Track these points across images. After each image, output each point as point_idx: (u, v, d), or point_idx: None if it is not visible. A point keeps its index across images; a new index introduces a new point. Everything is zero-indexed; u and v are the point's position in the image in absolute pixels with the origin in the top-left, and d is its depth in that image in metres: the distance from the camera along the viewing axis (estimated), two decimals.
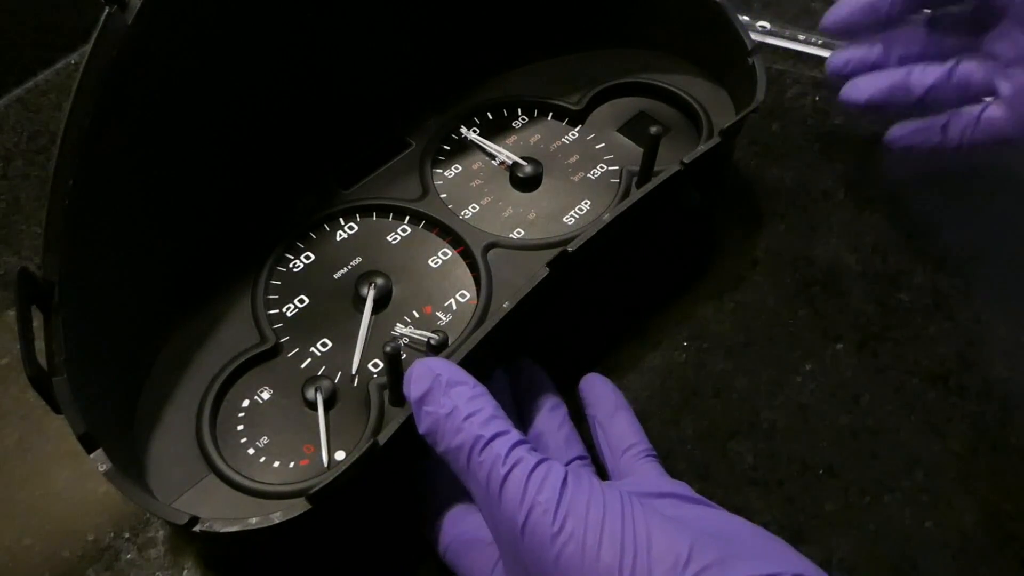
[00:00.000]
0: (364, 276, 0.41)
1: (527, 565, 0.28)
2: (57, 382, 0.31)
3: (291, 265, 0.42)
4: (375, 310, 0.40)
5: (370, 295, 0.40)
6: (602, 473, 0.37)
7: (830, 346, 0.43)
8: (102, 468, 0.30)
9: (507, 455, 0.29)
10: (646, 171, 0.43)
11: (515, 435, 0.30)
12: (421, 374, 0.32)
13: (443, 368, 0.32)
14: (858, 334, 0.43)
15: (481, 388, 0.31)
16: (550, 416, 0.37)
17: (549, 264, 0.36)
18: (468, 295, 0.41)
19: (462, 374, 0.32)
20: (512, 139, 0.48)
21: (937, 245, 0.46)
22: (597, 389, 0.39)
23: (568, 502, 0.28)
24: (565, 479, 0.29)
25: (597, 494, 0.29)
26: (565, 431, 0.37)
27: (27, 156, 0.50)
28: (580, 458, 0.36)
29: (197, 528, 0.30)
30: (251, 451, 0.36)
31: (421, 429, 0.31)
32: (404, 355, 0.37)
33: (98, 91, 0.32)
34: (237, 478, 0.35)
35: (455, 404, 0.31)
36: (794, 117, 0.52)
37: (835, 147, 0.51)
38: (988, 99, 0.40)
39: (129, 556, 0.37)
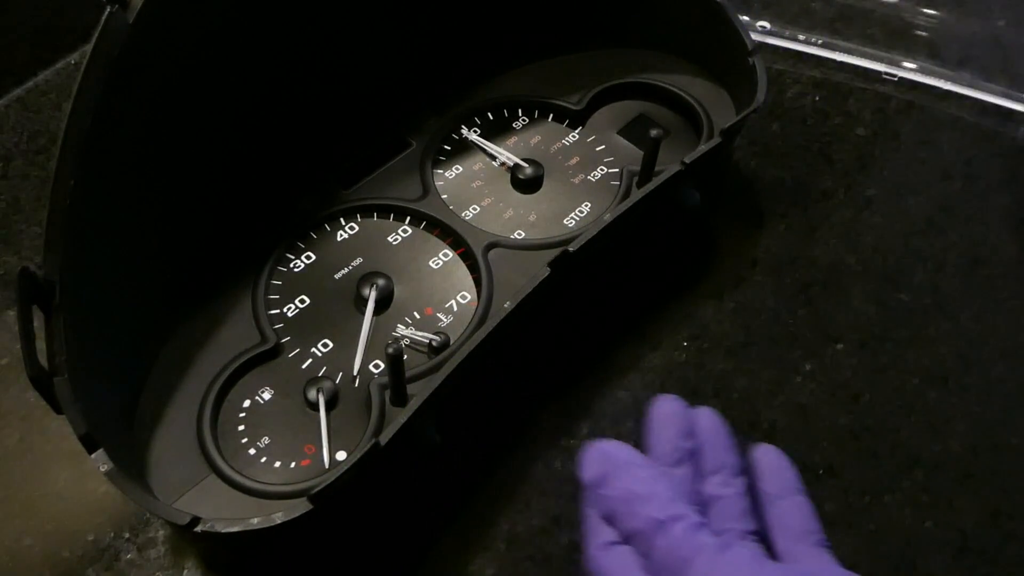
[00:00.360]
0: (365, 277, 0.41)
1: None
2: (58, 382, 0.31)
3: (292, 265, 0.42)
4: (376, 311, 0.40)
5: (372, 296, 0.40)
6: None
7: (830, 346, 0.43)
8: (103, 468, 0.30)
9: (689, 540, 0.29)
10: (646, 173, 0.43)
11: (694, 518, 0.30)
12: (595, 457, 0.32)
13: (618, 450, 0.32)
14: (858, 334, 0.43)
15: (657, 469, 0.31)
16: (729, 483, 0.35)
17: (550, 264, 0.36)
18: (469, 296, 0.41)
19: (637, 455, 0.32)
20: (512, 140, 0.48)
21: (937, 245, 0.46)
22: (773, 463, 0.36)
23: None
24: (751, 560, 0.28)
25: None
26: (742, 504, 0.35)
27: (27, 156, 0.50)
28: (753, 534, 0.34)
29: (198, 528, 0.29)
30: (252, 451, 0.36)
31: (599, 513, 0.31)
32: (406, 356, 0.37)
33: (99, 91, 0.32)
34: (238, 478, 0.35)
35: (632, 488, 0.30)
36: (794, 117, 0.52)
37: (835, 147, 0.51)
38: None
39: (129, 556, 0.37)
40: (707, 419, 0.36)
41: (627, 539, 0.31)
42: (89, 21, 0.31)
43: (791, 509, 0.34)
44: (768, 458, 0.36)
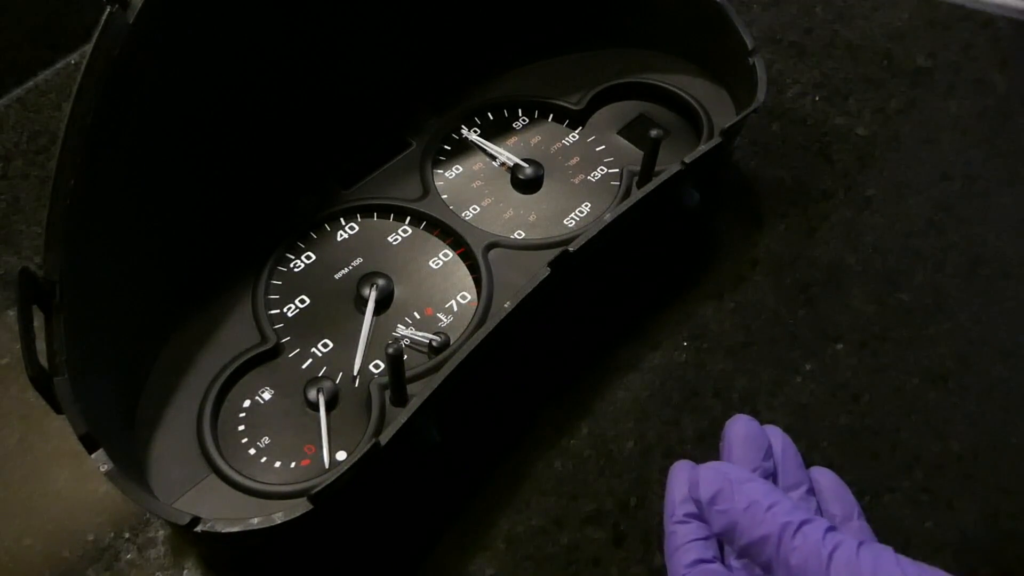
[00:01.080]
0: (365, 277, 0.41)
1: None
2: (58, 382, 0.31)
3: (292, 265, 0.42)
4: (376, 311, 0.40)
5: (372, 296, 0.40)
6: None
7: (830, 346, 0.43)
8: (103, 468, 0.30)
9: (825, 537, 0.29)
10: (646, 173, 0.43)
11: (825, 521, 0.30)
12: (710, 476, 0.32)
13: (732, 469, 0.32)
14: (858, 334, 0.43)
15: (772, 484, 0.32)
16: (808, 499, 0.36)
17: (550, 264, 0.36)
18: (469, 296, 0.41)
19: (749, 473, 0.32)
20: (513, 140, 0.48)
21: (937, 245, 0.46)
22: (833, 485, 0.36)
23: None
24: (897, 559, 0.29)
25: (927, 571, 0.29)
26: (824, 518, 0.35)
27: (27, 156, 0.50)
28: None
29: (199, 528, 0.29)
30: (252, 451, 0.36)
31: (716, 529, 0.32)
32: (406, 356, 0.37)
33: (99, 91, 0.32)
34: (238, 478, 0.35)
35: (753, 499, 0.31)
36: (794, 117, 0.52)
37: (835, 147, 0.51)
38: None
39: (129, 556, 0.37)
40: (779, 438, 0.37)
41: (745, 551, 0.31)
42: (89, 21, 0.32)
43: (857, 533, 0.35)
44: (827, 480, 0.36)
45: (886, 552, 0.29)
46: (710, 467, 0.33)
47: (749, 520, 0.31)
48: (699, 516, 0.34)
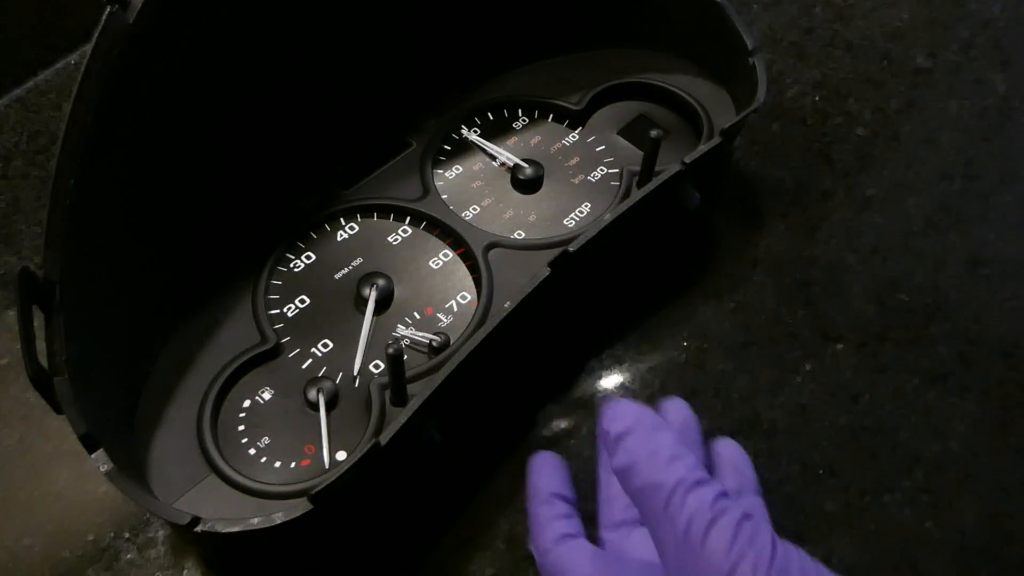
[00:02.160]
0: (365, 277, 0.41)
1: None
2: (58, 382, 0.31)
3: (292, 265, 0.42)
4: (376, 311, 0.40)
5: (372, 296, 0.40)
6: None
7: (830, 346, 0.43)
8: (103, 468, 0.30)
9: (714, 502, 0.29)
10: (646, 173, 0.43)
11: (720, 486, 0.30)
12: (623, 413, 0.32)
13: (646, 412, 0.32)
14: (858, 334, 0.43)
15: (681, 437, 0.31)
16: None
17: (550, 264, 0.36)
18: (469, 296, 0.41)
19: (664, 422, 0.32)
20: (513, 140, 0.48)
21: (937, 245, 0.46)
22: (735, 458, 0.37)
23: (782, 560, 0.28)
24: (774, 539, 0.28)
25: (807, 560, 0.28)
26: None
27: (27, 156, 0.50)
28: None
29: (199, 528, 0.29)
30: (252, 451, 0.36)
31: (615, 464, 0.31)
32: (406, 356, 0.37)
33: (99, 90, 0.32)
34: (238, 478, 0.35)
35: (659, 446, 0.30)
36: (794, 117, 0.52)
37: (835, 147, 0.51)
38: None
39: (129, 556, 0.37)
40: (682, 410, 0.37)
41: (636, 495, 0.31)
42: (89, 21, 0.31)
43: (748, 508, 0.34)
44: (729, 452, 0.37)
45: (765, 528, 0.29)
46: (625, 403, 0.32)
47: (649, 466, 0.30)
48: (565, 498, 0.35)
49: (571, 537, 0.33)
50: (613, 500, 0.35)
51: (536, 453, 0.36)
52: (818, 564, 0.29)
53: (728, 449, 0.37)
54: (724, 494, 0.29)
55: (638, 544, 0.34)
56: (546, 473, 0.36)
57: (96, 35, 0.31)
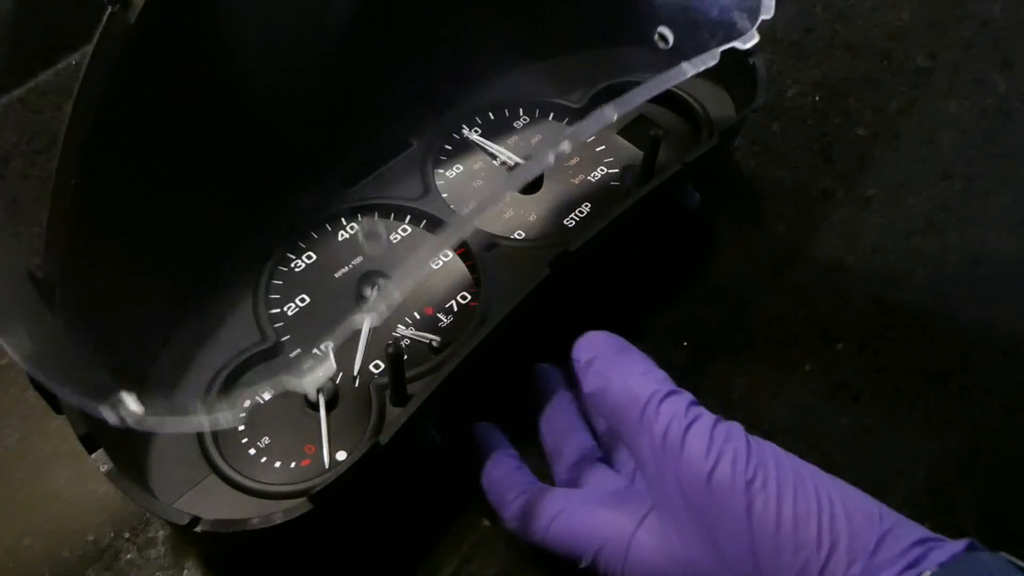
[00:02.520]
0: (366, 276, 0.41)
1: (707, 516, 0.29)
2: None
3: (292, 264, 0.42)
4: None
5: (372, 295, 0.40)
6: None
7: (830, 346, 0.43)
8: (103, 468, 0.30)
9: (687, 409, 0.30)
10: (647, 173, 0.43)
11: (690, 396, 0.31)
12: (592, 340, 0.33)
13: (613, 338, 0.33)
14: (858, 334, 0.43)
15: (647, 357, 0.33)
16: None
17: (550, 264, 0.36)
18: (469, 296, 0.41)
19: (628, 344, 0.33)
20: (513, 140, 0.48)
21: (937, 245, 0.46)
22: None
23: (757, 454, 0.29)
24: (747, 436, 0.30)
25: (781, 452, 0.30)
26: None
27: (27, 156, 0.50)
28: None
29: (198, 528, 0.30)
30: (252, 451, 0.36)
31: (587, 388, 0.33)
32: (406, 356, 0.37)
33: (100, 91, 0.32)
34: (238, 478, 0.35)
35: (627, 365, 0.32)
36: (794, 117, 0.52)
37: (835, 147, 0.51)
38: None
39: (129, 556, 0.37)
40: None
41: (611, 414, 0.32)
42: (90, 21, 0.31)
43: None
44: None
45: (737, 427, 0.31)
46: (594, 333, 0.34)
47: (621, 384, 0.32)
48: (515, 456, 0.36)
49: (532, 484, 0.35)
50: (562, 445, 0.36)
51: (476, 424, 0.38)
52: (791, 455, 0.30)
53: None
54: (695, 402, 0.31)
55: (600, 476, 0.35)
56: (490, 439, 0.37)
57: (97, 35, 0.31)
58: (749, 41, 0.38)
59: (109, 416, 0.26)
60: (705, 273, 0.45)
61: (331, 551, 0.36)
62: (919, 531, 0.29)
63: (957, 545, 0.28)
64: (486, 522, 0.38)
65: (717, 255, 0.46)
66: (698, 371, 0.42)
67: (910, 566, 0.27)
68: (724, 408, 0.41)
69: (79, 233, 0.33)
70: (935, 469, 0.39)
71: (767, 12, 0.38)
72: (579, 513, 0.33)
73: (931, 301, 0.44)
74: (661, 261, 0.46)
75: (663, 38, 0.44)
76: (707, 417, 0.30)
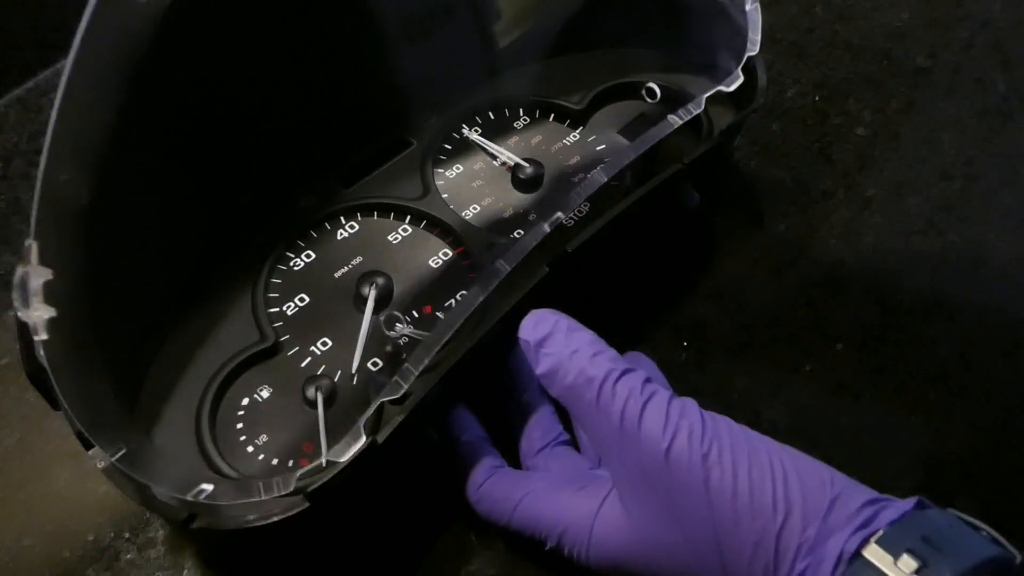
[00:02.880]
0: (365, 275, 0.41)
1: (667, 492, 0.29)
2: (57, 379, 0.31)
3: (292, 264, 0.42)
4: (375, 310, 0.40)
5: (371, 295, 0.40)
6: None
7: (830, 346, 0.43)
8: (100, 465, 0.30)
9: (643, 387, 0.31)
10: (646, 173, 0.43)
11: (644, 373, 0.31)
12: (540, 320, 0.33)
13: (562, 317, 0.33)
14: (858, 334, 0.43)
15: (598, 336, 0.33)
16: None
17: (549, 263, 0.36)
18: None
19: (578, 323, 0.34)
20: (514, 140, 0.48)
21: (937, 245, 0.46)
22: (649, 367, 0.38)
23: (712, 428, 0.30)
24: (702, 412, 0.30)
25: (734, 425, 0.30)
26: None
27: (27, 156, 0.50)
28: None
29: (195, 525, 0.29)
30: (250, 449, 0.36)
31: (540, 369, 0.33)
32: (404, 355, 0.37)
33: (96, 88, 0.32)
34: (236, 476, 0.35)
35: (580, 345, 0.32)
36: (794, 117, 0.52)
37: (835, 147, 0.51)
38: None
39: (129, 556, 0.37)
40: (639, 359, 0.39)
41: (565, 394, 0.32)
42: None
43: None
44: (644, 360, 0.39)
45: (691, 402, 0.31)
46: (542, 312, 0.34)
47: (575, 364, 0.32)
48: (485, 439, 0.36)
49: (500, 468, 0.35)
50: (530, 430, 0.37)
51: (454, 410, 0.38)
52: (745, 428, 0.31)
53: (642, 358, 0.39)
54: (648, 379, 0.31)
55: (565, 459, 0.36)
56: (460, 421, 0.37)
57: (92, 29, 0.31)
58: (733, 83, 0.39)
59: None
60: (705, 273, 0.45)
61: (329, 549, 0.36)
62: (869, 493, 0.29)
63: (906, 504, 0.29)
64: (486, 522, 0.37)
65: (717, 255, 0.46)
66: (698, 371, 0.42)
67: (862, 526, 0.28)
68: (724, 408, 0.41)
69: (78, 232, 0.33)
70: (935, 469, 0.39)
71: (753, 48, 0.40)
72: (542, 497, 0.33)
73: (931, 301, 0.44)
74: (661, 261, 0.46)
75: (651, 93, 0.47)
76: (662, 394, 0.31)
